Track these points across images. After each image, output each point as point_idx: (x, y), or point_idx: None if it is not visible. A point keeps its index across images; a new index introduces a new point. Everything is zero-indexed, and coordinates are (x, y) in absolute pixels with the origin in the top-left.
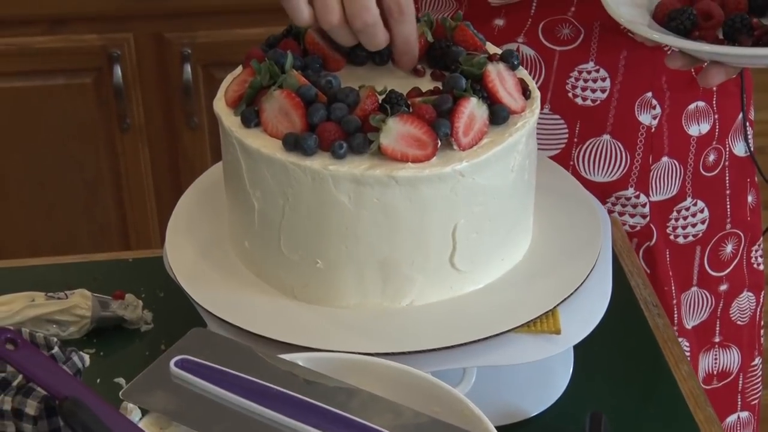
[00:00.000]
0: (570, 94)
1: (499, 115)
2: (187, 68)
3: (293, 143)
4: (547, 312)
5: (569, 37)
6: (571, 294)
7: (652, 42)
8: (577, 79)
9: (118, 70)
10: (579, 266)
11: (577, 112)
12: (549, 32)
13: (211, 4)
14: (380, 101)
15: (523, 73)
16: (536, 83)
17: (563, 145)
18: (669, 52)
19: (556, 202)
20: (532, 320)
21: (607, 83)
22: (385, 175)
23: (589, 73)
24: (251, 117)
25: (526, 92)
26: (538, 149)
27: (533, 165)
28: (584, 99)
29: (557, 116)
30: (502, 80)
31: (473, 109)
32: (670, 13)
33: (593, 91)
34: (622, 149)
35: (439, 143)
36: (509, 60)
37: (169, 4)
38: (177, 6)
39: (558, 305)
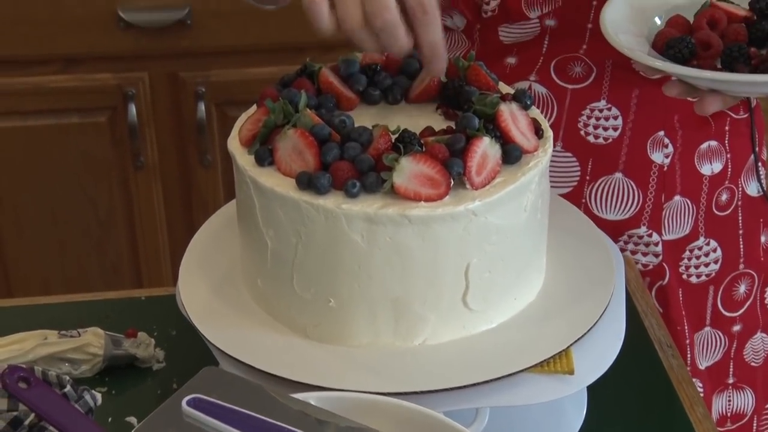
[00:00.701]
0: (582, 132)
1: (511, 155)
2: (201, 107)
3: (306, 182)
4: (560, 352)
5: (581, 75)
6: (585, 334)
7: (652, 71)
8: (589, 117)
9: (132, 109)
10: (592, 306)
11: (589, 150)
12: (561, 70)
13: (225, 44)
14: (393, 140)
15: (535, 112)
16: (548, 121)
17: (575, 183)
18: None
19: (568, 241)
20: (545, 360)
21: (619, 121)
22: (398, 214)
23: (601, 111)
24: (265, 156)
25: (538, 132)
26: (551, 187)
27: (546, 204)
28: (596, 137)
29: (569, 154)
30: (515, 120)
31: (486, 148)
32: (669, 42)
33: (605, 129)
34: (635, 187)
35: (452, 182)
36: (522, 99)
37: (184, 44)
38: (191, 45)
39: (571, 345)
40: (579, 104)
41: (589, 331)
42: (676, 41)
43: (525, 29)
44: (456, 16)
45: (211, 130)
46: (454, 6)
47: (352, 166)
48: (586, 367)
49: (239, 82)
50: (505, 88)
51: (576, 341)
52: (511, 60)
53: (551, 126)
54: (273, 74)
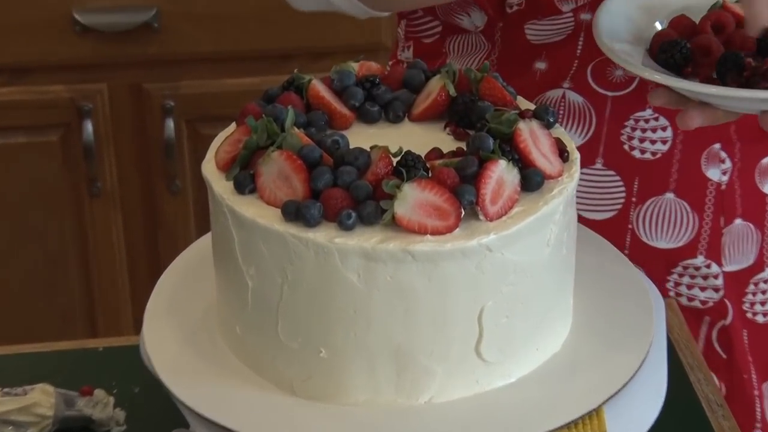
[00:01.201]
0: (626, 146)
1: (532, 181)
2: (170, 124)
3: (294, 212)
4: (590, 412)
5: (622, 80)
6: (619, 390)
7: (651, 79)
8: (633, 129)
9: (88, 126)
10: (628, 358)
11: (635, 167)
12: (599, 75)
13: (198, 51)
14: (394, 164)
15: (559, 131)
16: (586, 135)
17: (620, 206)
18: (652, 87)
19: (600, 281)
20: (572, 421)
21: (669, 133)
22: (401, 250)
23: (647, 121)
24: (246, 182)
25: (563, 154)
26: (590, 211)
27: (572, 238)
28: (642, 152)
29: (611, 172)
30: (536, 140)
31: (502, 173)
32: (662, 45)
33: (653, 142)
34: (689, 210)
35: (463, 213)
36: (544, 116)
37: (150, 50)
38: (158, 52)
39: (603, 404)
40: (621, 114)
41: (624, 387)
42: (670, 45)
43: (557, 26)
44: (474, 13)
45: (180, 151)
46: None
47: (347, 193)
48: (621, 431)
49: (214, 96)
50: (524, 104)
51: (609, 399)
52: (541, 65)
53: (589, 140)
54: (254, 86)
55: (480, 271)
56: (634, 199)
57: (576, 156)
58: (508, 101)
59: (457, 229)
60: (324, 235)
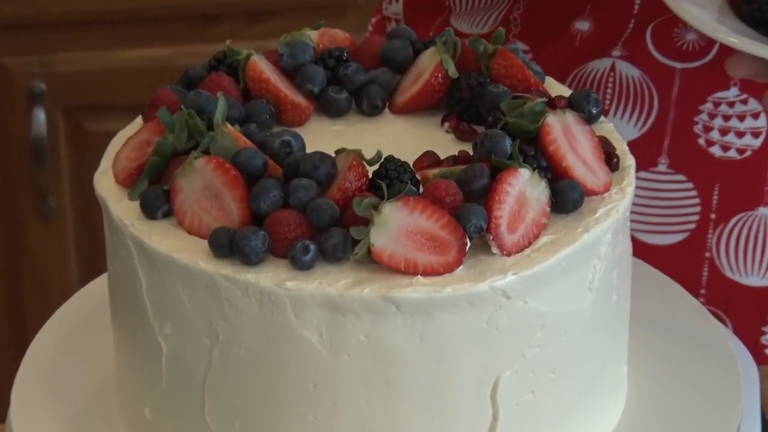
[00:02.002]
0: (701, 141)
1: (566, 198)
2: (39, 115)
3: (227, 245)
4: None
5: (697, 46)
6: None
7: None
8: (712, 116)
9: None
10: None
11: (715, 171)
12: (664, 39)
13: (80, 10)
14: (371, 175)
15: (606, 128)
16: (644, 124)
17: (693, 226)
18: (733, 54)
19: (666, 339)
20: None
21: (762, 122)
22: (380, 297)
23: (731, 105)
24: (158, 202)
25: (611, 159)
26: (650, 233)
27: (625, 278)
28: (725, 148)
29: (682, 177)
30: (572, 140)
31: (524, 187)
32: None
33: (739, 134)
34: None
35: (468, 244)
36: (584, 106)
37: (8, 9)
38: (24, 13)
39: None
40: (695, 94)
41: None
42: None
43: None
44: None
45: (56, 155)
46: None
47: (303, 217)
48: None
49: (105, 75)
50: (555, 87)
51: None
52: (582, 25)
53: (649, 132)
54: (165, 62)
55: (493, 327)
56: (713, 216)
57: (629, 162)
58: (533, 84)
59: (461, 267)
60: (271, 277)
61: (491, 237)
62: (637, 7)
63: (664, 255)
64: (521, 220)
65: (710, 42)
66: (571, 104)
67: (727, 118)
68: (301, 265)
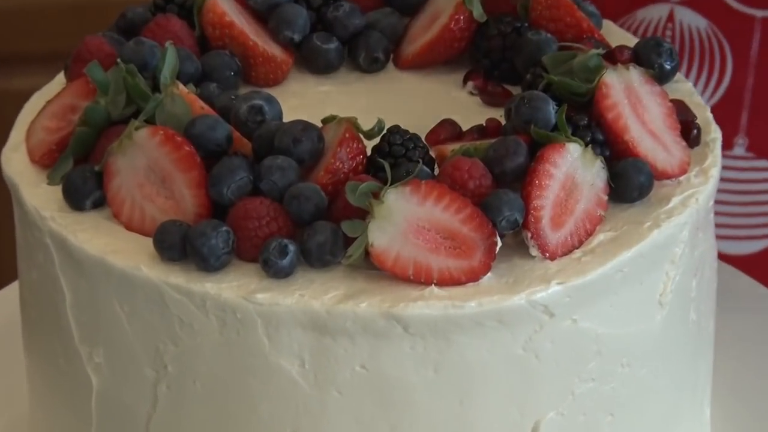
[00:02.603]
0: None
1: (630, 182)
2: None
3: (179, 245)
4: None
5: None
6: None
7: None
8: None
9: None
10: None
11: None
12: None
13: None
14: (369, 152)
15: (684, 89)
16: (714, 91)
17: None
18: None
19: (762, 372)
20: None
21: None
22: (381, 315)
23: None
24: (86, 188)
25: (690, 131)
26: (727, 238)
27: (709, 290)
28: None
29: (766, 164)
30: (638, 105)
31: (574, 168)
32: None
33: None
34: None
35: (500, 244)
36: (654, 59)
37: None
38: None
39: None
40: None
41: None
42: None
43: None
44: None
45: None
46: None
47: (279, 208)
48: None
49: (13, 15)
50: (617, 34)
51: None
52: None
53: (722, 101)
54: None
55: (532, 354)
56: None
57: (714, 135)
58: (585, 30)
59: (488, 274)
60: (236, 287)
61: (530, 235)
62: None
63: (744, 268)
64: (569, 213)
65: None
66: (637, 57)
67: None
68: (276, 271)
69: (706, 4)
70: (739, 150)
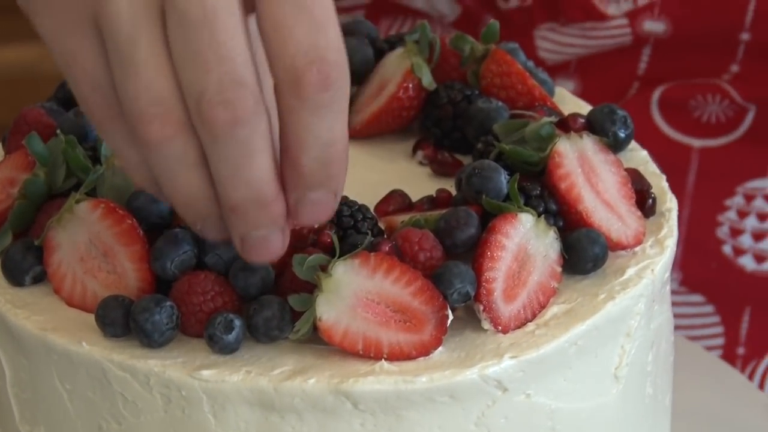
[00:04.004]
0: (727, 249)
1: (584, 253)
2: None
3: (122, 321)
4: None
5: (722, 118)
6: None
7: None
8: (742, 214)
9: None
10: None
11: (745, 291)
12: (675, 110)
13: None
14: (317, 224)
15: (639, 157)
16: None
17: (720, 350)
18: None
19: None
20: None
21: None
22: (330, 391)
23: None
24: (25, 263)
25: (645, 200)
26: (685, 325)
27: (665, 363)
28: (760, 259)
29: (699, 298)
30: (592, 174)
31: (526, 239)
32: None
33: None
34: None
35: (451, 318)
36: (608, 127)
37: None
38: None
39: None
40: (719, 183)
41: None
42: None
43: (595, 38)
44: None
45: None
46: None
47: (224, 282)
48: None
49: None
50: (570, 102)
51: None
52: (566, 86)
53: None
54: (33, 67)
55: (485, 430)
56: (741, 351)
57: (670, 204)
58: (538, 98)
59: (440, 348)
60: (181, 364)
61: (482, 307)
62: (644, 65)
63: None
64: (522, 285)
65: (741, 111)
66: (591, 125)
67: (763, 217)
68: (222, 347)
69: (642, 132)
70: (672, 284)
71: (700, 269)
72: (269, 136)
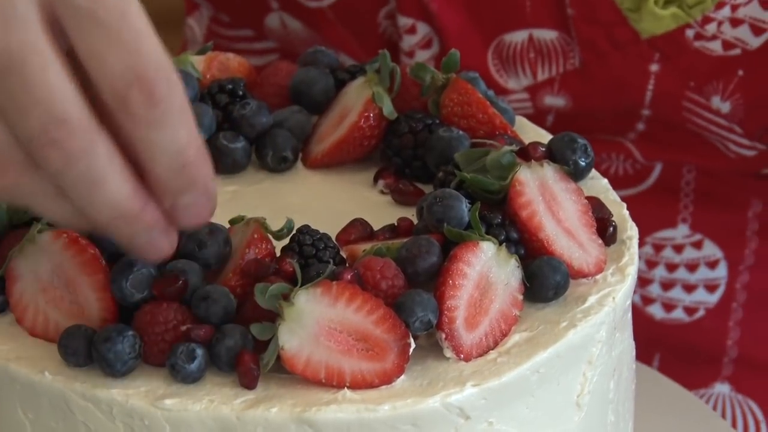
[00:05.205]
0: (636, 298)
1: (546, 281)
2: None
3: (84, 350)
4: None
5: (630, 170)
6: None
7: None
8: (652, 264)
9: None
10: None
11: (655, 338)
12: None
13: None
14: (278, 252)
15: (599, 185)
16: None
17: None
18: None
19: None
20: None
21: (721, 271)
22: (293, 419)
23: (678, 249)
24: None
25: (606, 229)
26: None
27: (627, 391)
28: (669, 308)
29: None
30: (552, 203)
31: (488, 267)
32: None
33: (688, 289)
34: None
35: (413, 346)
36: (568, 156)
37: None
38: None
39: None
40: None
41: None
42: None
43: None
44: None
45: None
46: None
47: (187, 311)
48: None
49: None
50: (530, 131)
51: None
52: None
53: None
54: None
55: None
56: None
57: (632, 233)
58: (498, 127)
59: (402, 376)
60: (144, 393)
61: (444, 336)
62: (551, 117)
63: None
64: (484, 313)
65: (647, 167)
66: (551, 154)
67: (672, 267)
68: (184, 376)
69: None
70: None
71: None
72: (113, 156)
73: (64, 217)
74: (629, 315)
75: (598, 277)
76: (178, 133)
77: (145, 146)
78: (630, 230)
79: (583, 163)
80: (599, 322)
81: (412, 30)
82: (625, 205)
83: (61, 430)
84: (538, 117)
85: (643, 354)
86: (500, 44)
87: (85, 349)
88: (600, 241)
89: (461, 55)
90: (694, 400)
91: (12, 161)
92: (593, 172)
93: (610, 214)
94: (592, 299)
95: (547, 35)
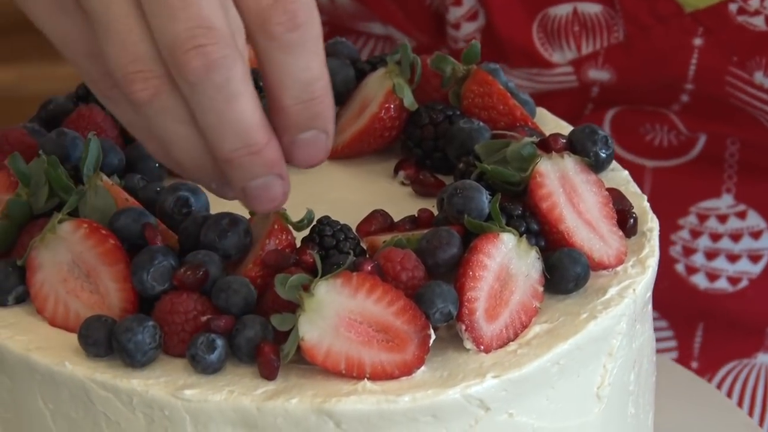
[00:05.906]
0: (680, 267)
1: (566, 273)
2: None
3: (105, 341)
4: None
5: (674, 141)
6: None
7: None
8: (695, 234)
9: None
10: None
11: (698, 307)
12: (628, 130)
13: None
14: (299, 243)
15: (620, 177)
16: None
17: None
18: None
19: None
20: None
21: (765, 242)
22: (313, 410)
23: (722, 219)
24: (7, 283)
25: (626, 220)
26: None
27: (647, 382)
28: (712, 277)
29: (654, 315)
30: (573, 194)
31: (508, 259)
32: None
33: (732, 259)
34: None
35: (433, 337)
36: (589, 147)
37: None
38: None
39: None
40: (672, 204)
41: None
42: None
43: (542, 83)
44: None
45: None
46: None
47: (207, 302)
48: None
49: None
50: (551, 122)
51: None
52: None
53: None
54: (14, 89)
55: None
56: (695, 365)
57: (651, 224)
58: (519, 118)
59: (422, 368)
60: (164, 383)
61: (464, 327)
62: (596, 89)
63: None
64: (504, 304)
65: (690, 139)
66: (572, 145)
67: (716, 237)
68: (204, 367)
69: None
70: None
71: (662, 291)
72: (248, 80)
73: (185, 148)
74: (649, 307)
75: (618, 268)
76: (312, 62)
77: (278, 72)
78: (650, 222)
79: (603, 155)
80: (620, 313)
81: (458, 2)
82: (645, 197)
83: (81, 420)
84: (582, 90)
85: (687, 324)
86: (545, 17)
87: (105, 340)
88: (620, 233)
89: (506, 28)
90: (715, 392)
91: (153, 74)
92: (614, 163)
93: (631, 206)
94: (612, 291)
95: (592, 9)
